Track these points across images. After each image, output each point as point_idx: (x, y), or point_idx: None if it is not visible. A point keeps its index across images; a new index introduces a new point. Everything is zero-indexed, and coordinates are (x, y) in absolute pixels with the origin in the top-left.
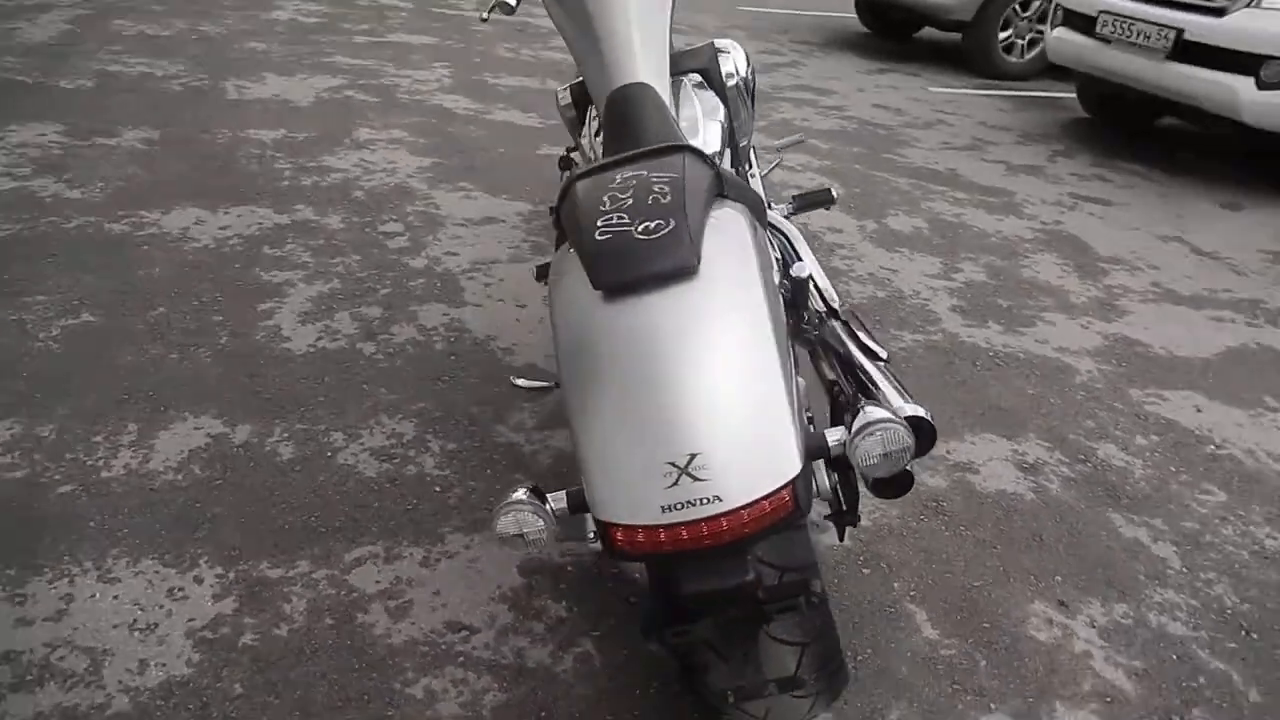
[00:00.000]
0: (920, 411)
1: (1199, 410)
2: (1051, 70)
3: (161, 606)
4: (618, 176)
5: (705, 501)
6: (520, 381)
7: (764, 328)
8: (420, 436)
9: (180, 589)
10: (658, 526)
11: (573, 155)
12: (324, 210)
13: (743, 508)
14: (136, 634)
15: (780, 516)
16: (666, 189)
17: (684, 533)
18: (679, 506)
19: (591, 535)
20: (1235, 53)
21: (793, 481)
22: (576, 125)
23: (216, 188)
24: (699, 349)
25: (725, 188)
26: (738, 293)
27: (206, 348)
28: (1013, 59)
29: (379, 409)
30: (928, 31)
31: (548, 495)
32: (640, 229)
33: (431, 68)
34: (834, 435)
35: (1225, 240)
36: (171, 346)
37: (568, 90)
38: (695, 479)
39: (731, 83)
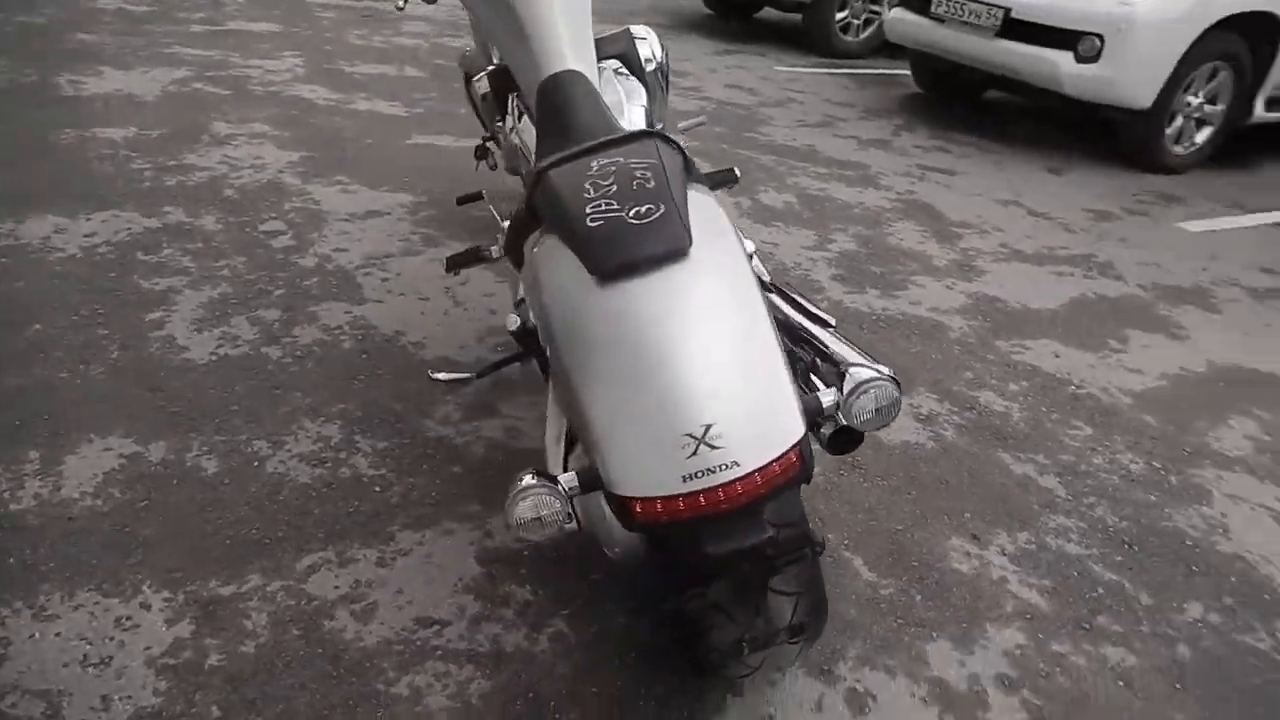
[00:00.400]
0: (889, 370)
1: (1057, 356)
2: (886, 49)
3: (111, 638)
4: (594, 164)
5: (724, 468)
6: (439, 375)
7: (755, 301)
8: (348, 438)
9: (128, 618)
10: (678, 496)
11: (489, 144)
12: (196, 211)
13: (756, 471)
14: (91, 670)
15: (789, 477)
16: (649, 174)
17: (702, 500)
18: (699, 475)
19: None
20: (1056, 29)
21: (799, 443)
22: (494, 113)
23: (72, 192)
24: (701, 325)
25: (692, 171)
26: (727, 270)
27: (98, 364)
28: (849, 38)
29: (299, 413)
30: (768, 11)
31: (558, 476)
32: (631, 214)
33: (281, 56)
34: (827, 397)
35: (1055, 202)
36: (59, 365)
37: (485, 78)
38: (713, 448)
39: (650, 67)
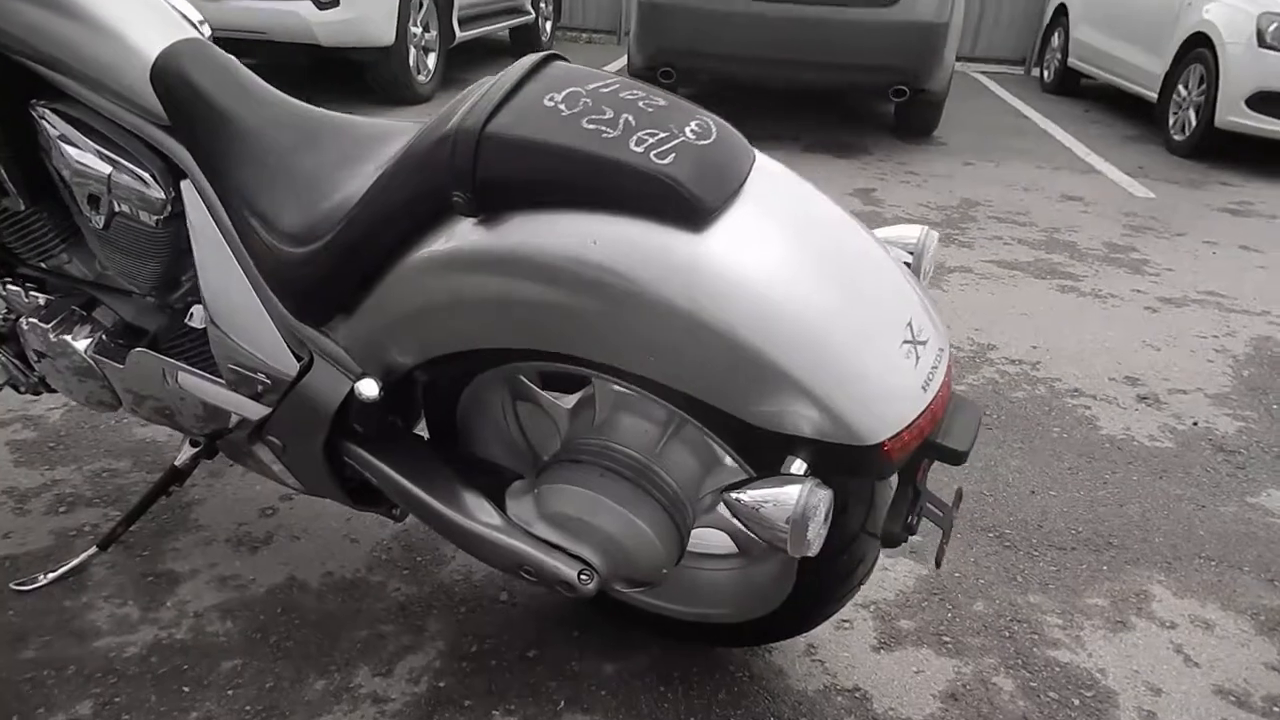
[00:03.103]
0: None
1: None
2: None
3: None
4: (549, 102)
5: (939, 358)
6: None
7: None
8: None
9: None
10: (925, 411)
11: None
12: None
13: (948, 349)
14: None
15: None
16: (642, 92)
17: (938, 402)
18: (930, 378)
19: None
20: None
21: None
22: None
23: None
24: (829, 226)
25: None
26: (773, 164)
27: None
28: None
29: None
30: None
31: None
32: (689, 133)
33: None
34: None
35: None
36: None
37: None
38: (923, 342)
39: None
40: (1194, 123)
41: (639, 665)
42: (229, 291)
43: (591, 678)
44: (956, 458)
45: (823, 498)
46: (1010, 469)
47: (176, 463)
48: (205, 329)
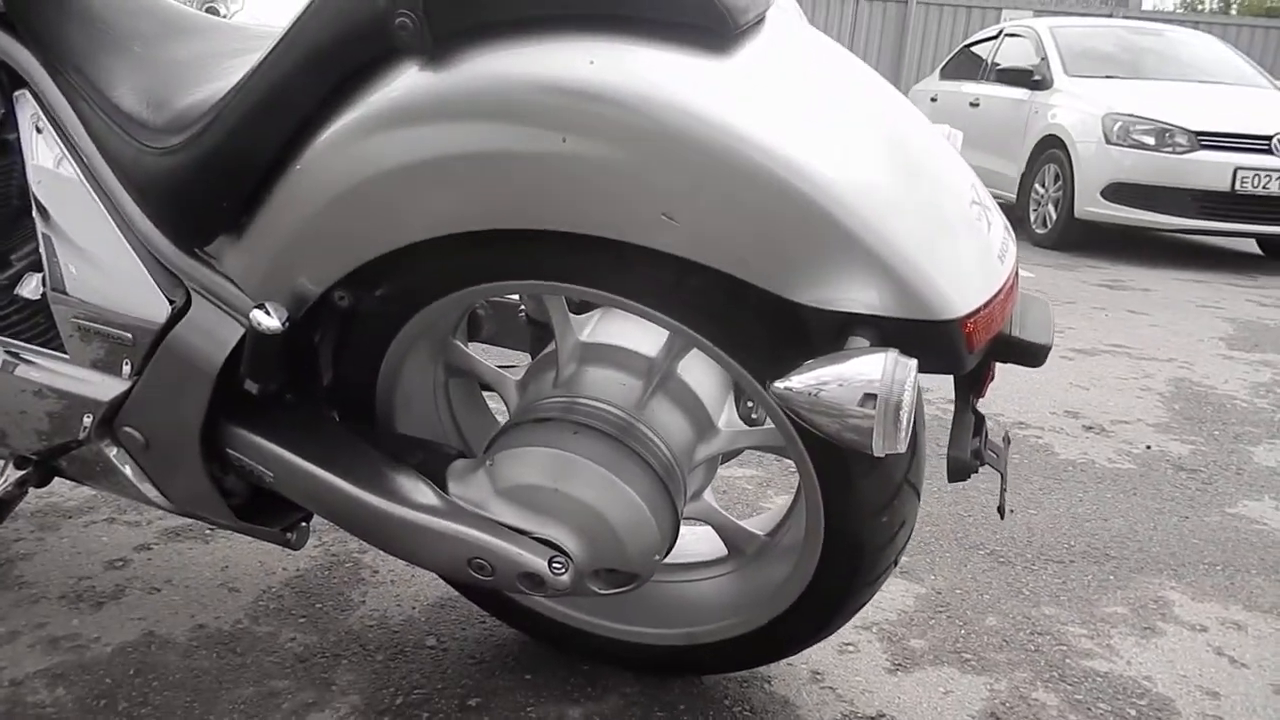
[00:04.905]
0: None
1: None
2: None
3: None
4: None
5: (1007, 233)
6: None
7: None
8: None
9: None
10: (1003, 289)
11: None
12: None
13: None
14: None
15: None
16: None
17: (1013, 287)
18: (1005, 249)
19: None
20: None
21: None
22: None
23: None
24: (863, 71)
25: None
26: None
27: None
28: None
29: None
30: None
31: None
32: None
33: None
34: None
35: None
36: None
37: None
38: (989, 208)
39: None
40: (1054, 216)
41: (612, 707)
42: (80, 227)
43: None
44: (1037, 355)
45: (911, 368)
46: (980, 490)
47: None
48: (41, 299)
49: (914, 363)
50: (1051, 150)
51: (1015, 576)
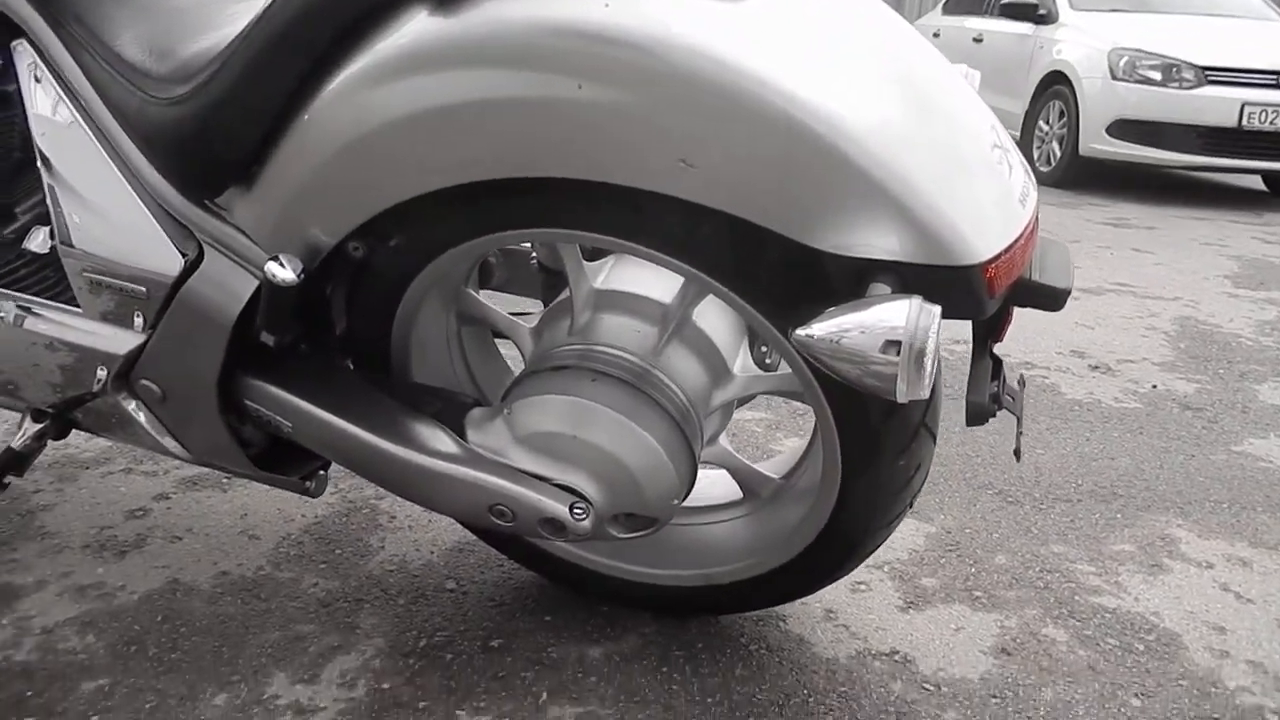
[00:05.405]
0: None
1: None
2: None
3: None
4: None
5: (1029, 179)
6: None
7: None
8: None
9: None
10: (1024, 233)
11: None
12: None
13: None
14: None
15: None
16: None
17: (1033, 231)
18: (1025, 193)
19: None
20: None
21: None
22: None
23: None
24: (879, 10)
25: None
26: None
27: None
28: None
29: None
30: None
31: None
32: None
33: None
34: None
35: None
36: None
37: None
38: (1008, 150)
39: None
40: (1059, 154)
41: (631, 646)
42: (87, 179)
43: (575, 665)
44: (1057, 299)
45: (935, 315)
46: (988, 430)
47: (14, 444)
48: (50, 252)
49: (938, 309)
50: (1056, 86)
51: (1024, 515)
